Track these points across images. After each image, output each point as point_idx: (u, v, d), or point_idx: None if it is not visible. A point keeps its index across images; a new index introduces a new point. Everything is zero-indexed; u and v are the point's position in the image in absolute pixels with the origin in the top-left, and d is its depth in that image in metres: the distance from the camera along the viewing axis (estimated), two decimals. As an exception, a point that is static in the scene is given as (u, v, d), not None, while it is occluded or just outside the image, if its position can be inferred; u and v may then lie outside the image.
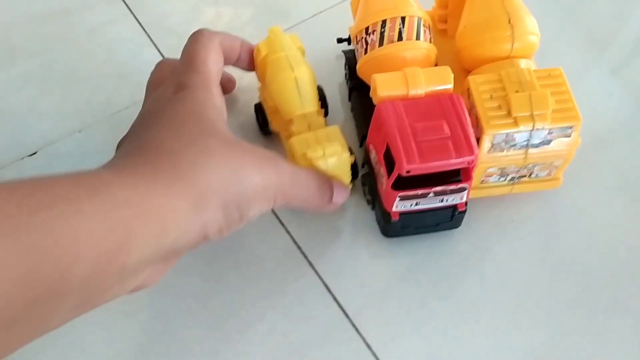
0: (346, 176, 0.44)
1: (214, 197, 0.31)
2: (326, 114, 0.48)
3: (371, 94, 0.44)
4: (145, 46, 0.59)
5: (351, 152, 0.44)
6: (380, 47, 0.45)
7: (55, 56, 0.58)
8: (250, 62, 0.46)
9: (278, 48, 0.44)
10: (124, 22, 0.60)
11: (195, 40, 0.40)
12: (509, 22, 0.45)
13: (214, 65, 0.39)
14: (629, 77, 0.57)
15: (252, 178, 0.33)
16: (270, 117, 0.48)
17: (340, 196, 0.43)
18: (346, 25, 0.52)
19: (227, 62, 0.44)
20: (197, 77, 0.37)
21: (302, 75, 0.43)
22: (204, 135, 0.32)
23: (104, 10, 0.61)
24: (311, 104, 0.44)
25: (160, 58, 0.58)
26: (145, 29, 0.60)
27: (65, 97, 0.55)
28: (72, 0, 0.62)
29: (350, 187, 0.45)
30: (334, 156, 0.42)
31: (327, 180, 0.41)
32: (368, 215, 0.49)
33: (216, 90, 0.38)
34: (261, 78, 0.47)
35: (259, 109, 0.49)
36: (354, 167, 0.45)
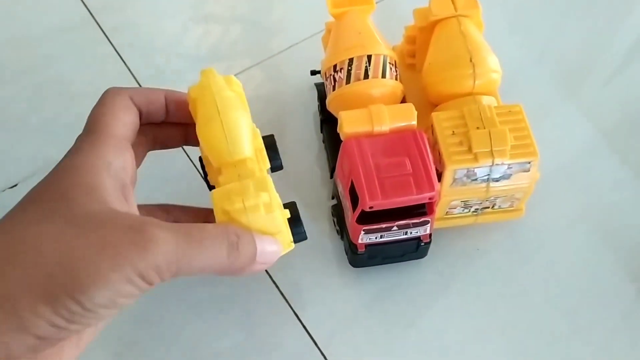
0: (280, 233, 0.38)
1: (26, 295, 0.27)
2: (280, 167, 0.42)
3: (338, 130, 0.46)
4: (124, 75, 0.60)
5: (289, 207, 0.39)
6: (348, 85, 0.47)
7: (34, 87, 0.60)
8: (184, 114, 0.40)
9: (207, 91, 0.38)
10: (101, 47, 0.62)
11: (99, 100, 0.37)
12: (471, 61, 0.46)
13: (117, 122, 0.35)
14: (594, 110, 0.59)
15: (88, 262, 0.28)
16: (207, 168, 0.41)
17: (267, 255, 0.36)
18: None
19: (151, 118, 0.39)
20: (88, 139, 0.34)
21: (230, 119, 0.37)
22: (41, 220, 0.29)
23: (81, 34, 0.63)
24: (241, 151, 0.38)
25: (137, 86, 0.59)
26: (128, 52, 0.61)
27: (46, 129, 0.57)
28: (39, 27, 0.63)
29: (290, 247, 0.39)
30: (258, 210, 0.36)
31: (246, 238, 0.35)
32: (339, 245, 0.50)
33: (113, 150, 0.34)
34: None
35: (201, 161, 0.42)
36: (297, 223, 0.40)
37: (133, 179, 0.36)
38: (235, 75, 0.60)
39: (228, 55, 0.62)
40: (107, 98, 0.37)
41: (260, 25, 0.65)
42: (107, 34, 0.63)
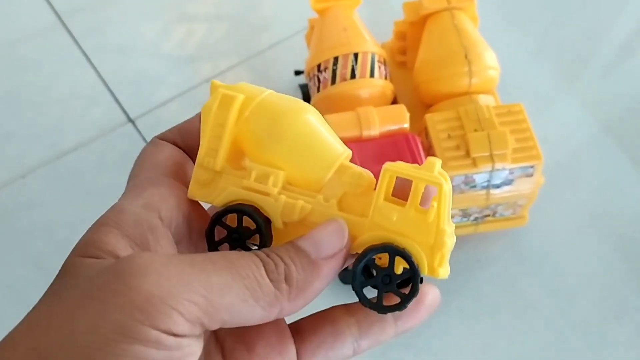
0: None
1: None
2: None
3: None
4: (94, 81, 0.56)
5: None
6: (333, 86, 0.43)
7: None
8: None
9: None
10: (70, 52, 0.58)
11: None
12: (466, 57, 0.43)
13: (141, 162, 0.27)
14: (599, 104, 0.55)
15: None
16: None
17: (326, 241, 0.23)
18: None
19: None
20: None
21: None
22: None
23: (49, 40, 0.59)
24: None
25: (109, 96, 0.56)
26: (99, 57, 0.58)
27: (8, 141, 0.53)
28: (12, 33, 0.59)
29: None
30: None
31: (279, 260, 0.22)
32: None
33: (134, 190, 0.25)
34: None
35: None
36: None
37: (171, 215, 0.24)
38: (217, 75, 0.57)
39: (211, 55, 0.59)
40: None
41: (244, 22, 0.61)
42: (76, 38, 0.59)
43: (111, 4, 0.61)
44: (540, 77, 0.57)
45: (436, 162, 0.22)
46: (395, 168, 0.22)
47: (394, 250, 0.22)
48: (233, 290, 0.21)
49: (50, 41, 0.59)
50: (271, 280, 0.21)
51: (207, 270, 0.21)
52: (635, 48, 0.59)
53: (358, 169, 0.23)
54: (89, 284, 0.21)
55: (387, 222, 0.22)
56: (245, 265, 0.22)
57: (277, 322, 0.24)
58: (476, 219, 0.45)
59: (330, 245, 0.23)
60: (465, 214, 0.44)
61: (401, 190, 0.23)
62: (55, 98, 0.55)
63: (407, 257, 0.22)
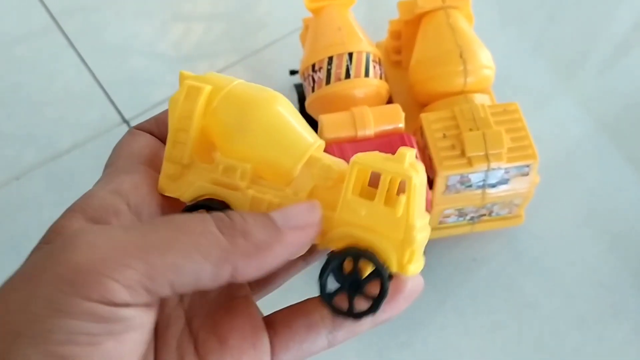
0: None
1: None
2: None
3: (318, 135, 0.42)
4: (88, 82, 0.56)
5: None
6: (328, 86, 0.43)
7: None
8: None
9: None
10: (64, 53, 0.58)
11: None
12: (461, 57, 0.43)
13: (117, 151, 0.28)
14: (595, 103, 0.55)
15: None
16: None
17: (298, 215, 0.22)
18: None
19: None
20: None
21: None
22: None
23: (43, 41, 0.59)
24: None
25: (104, 97, 0.55)
26: (94, 58, 0.57)
27: (3, 142, 0.53)
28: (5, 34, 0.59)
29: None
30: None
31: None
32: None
33: (106, 178, 0.25)
34: None
35: None
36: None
37: (142, 202, 0.24)
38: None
39: (207, 55, 0.58)
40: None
41: (240, 22, 0.61)
42: (70, 39, 0.59)
43: (105, 4, 0.61)
44: (536, 76, 0.57)
45: (407, 153, 0.21)
46: (362, 161, 0.21)
47: (357, 254, 0.21)
48: (175, 247, 0.20)
49: (44, 42, 0.59)
50: (222, 233, 0.20)
51: (145, 232, 0.20)
52: (630, 46, 0.59)
53: (328, 160, 0.22)
54: (25, 266, 0.20)
55: (356, 218, 0.21)
56: (191, 223, 0.21)
57: (251, 315, 0.24)
58: (472, 218, 0.45)
59: (298, 217, 0.22)
60: (461, 213, 0.44)
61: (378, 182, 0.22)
62: (50, 99, 0.55)
63: (371, 259, 0.21)
